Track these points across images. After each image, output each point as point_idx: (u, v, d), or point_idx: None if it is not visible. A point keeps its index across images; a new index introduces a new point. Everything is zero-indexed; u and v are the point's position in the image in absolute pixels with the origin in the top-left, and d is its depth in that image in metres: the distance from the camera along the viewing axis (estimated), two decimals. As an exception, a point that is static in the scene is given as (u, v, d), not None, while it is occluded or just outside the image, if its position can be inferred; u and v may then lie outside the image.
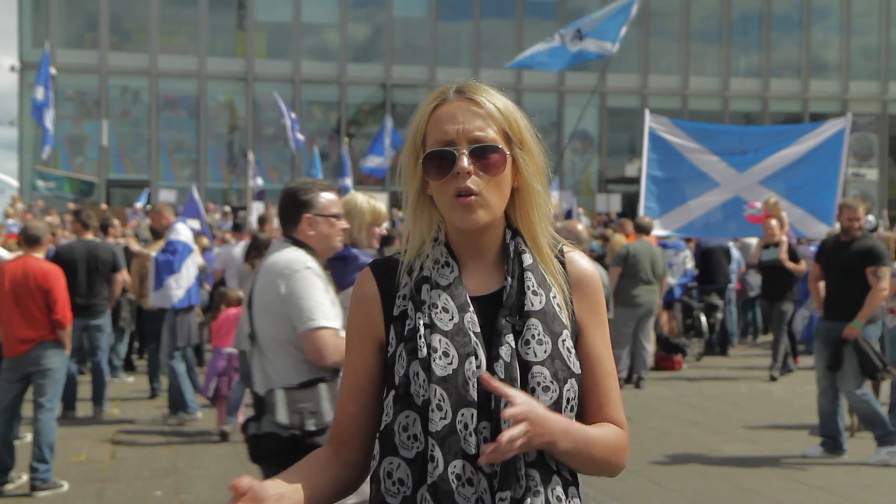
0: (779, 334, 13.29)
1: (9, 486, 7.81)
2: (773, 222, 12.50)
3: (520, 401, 1.92)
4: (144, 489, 7.77)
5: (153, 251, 10.56)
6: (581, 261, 2.19)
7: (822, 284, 9.17)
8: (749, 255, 15.29)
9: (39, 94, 20.54)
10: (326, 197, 4.42)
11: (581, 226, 9.81)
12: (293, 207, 4.41)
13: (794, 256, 12.86)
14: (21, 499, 7.64)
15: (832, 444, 8.85)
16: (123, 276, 11.25)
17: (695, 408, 11.28)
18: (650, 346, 12.72)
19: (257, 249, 9.78)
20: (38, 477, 7.65)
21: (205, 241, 15.87)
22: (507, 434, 1.87)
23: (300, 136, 24.54)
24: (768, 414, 10.90)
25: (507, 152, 2.06)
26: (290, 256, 4.26)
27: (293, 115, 24.95)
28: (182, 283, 10.13)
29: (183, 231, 10.31)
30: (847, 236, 8.86)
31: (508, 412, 1.90)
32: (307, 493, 2.09)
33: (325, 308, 4.15)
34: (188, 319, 10.38)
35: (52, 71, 22.51)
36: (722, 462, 8.67)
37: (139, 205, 25.59)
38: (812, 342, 14.98)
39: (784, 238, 12.78)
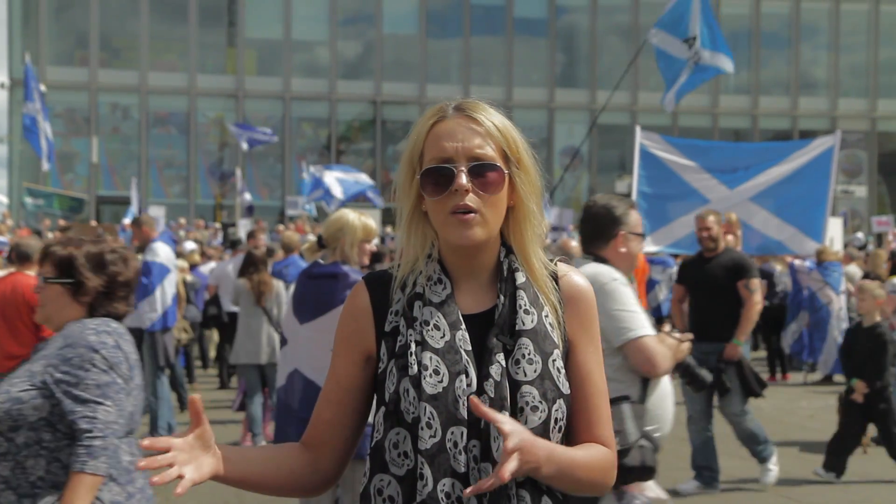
0: None
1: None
2: (730, 237, 12.16)
3: (509, 429, 1.89)
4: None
5: None
6: (575, 277, 2.19)
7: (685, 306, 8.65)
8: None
9: (32, 108, 20.38)
10: (636, 215, 4.47)
11: (574, 242, 9.76)
12: (609, 223, 4.41)
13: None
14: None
15: (708, 475, 8.21)
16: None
17: (684, 425, 11.24)
18: None
19: (254, 265, 9.81)
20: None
21: (195, 257, 15.83)
22: (506, 470, 1.85)
23: (257, 136, 24.68)
24: (759, 430, 10.87)
25: (505, 171, 2.05)
26: (595, 270, 4.25)
27: (257, 129, 25.20)
28: (157, 307, 10.01)
29: (161, 251, 10.17)
30: (707, 251, 8.31)
31: (510, 445, 1.87)
32: (256, 470, 2.07)
33: (642, 318, 4.17)
34: (164, 340, 10.35)
35: (42, 88, 22.46)
36: (713, 479, 8.65)
37: (127, 220, 25.52)
38: (802, 355, 14.99)
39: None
